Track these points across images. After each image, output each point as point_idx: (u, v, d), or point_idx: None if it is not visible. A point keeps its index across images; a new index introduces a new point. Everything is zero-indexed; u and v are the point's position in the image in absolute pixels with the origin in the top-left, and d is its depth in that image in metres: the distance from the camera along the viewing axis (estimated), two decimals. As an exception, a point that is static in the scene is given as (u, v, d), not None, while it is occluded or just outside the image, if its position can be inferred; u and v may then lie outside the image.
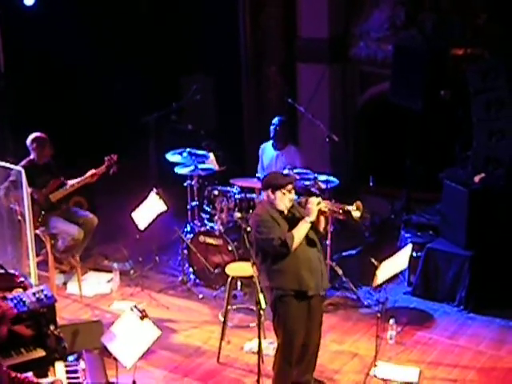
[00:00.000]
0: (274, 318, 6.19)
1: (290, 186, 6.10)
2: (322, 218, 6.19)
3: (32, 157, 8.15)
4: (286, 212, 6.13)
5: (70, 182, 8.16)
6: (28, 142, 8.14)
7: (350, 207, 6.11)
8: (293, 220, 6.09)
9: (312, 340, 6.31)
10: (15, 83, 10.08)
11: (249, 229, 6.03)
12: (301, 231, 6.01)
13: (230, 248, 8.20)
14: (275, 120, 8.70)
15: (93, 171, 8.14)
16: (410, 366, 6.92)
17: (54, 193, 8.13)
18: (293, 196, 6.13)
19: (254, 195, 8.35)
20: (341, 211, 6.15)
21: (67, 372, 5.50)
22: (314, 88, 10.22)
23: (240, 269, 7.21)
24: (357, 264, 8.59)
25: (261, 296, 5.70)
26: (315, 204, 6.06)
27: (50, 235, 8.04)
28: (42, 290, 5.80)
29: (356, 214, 6.11)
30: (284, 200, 6.08)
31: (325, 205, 6.13)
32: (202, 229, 8.50)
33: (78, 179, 8.15)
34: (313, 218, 6.03)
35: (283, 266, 6.03)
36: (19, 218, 7.17)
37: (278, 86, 10.76)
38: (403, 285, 8.42)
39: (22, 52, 10.32)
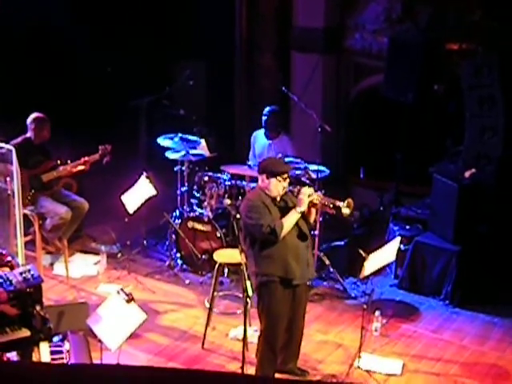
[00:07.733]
0: (258, 303, 6.20)
1: (286, 175, 6.10)
2: (313, 210, 6.20)
3: (29, 135, 8.12)
4: (278, 199, 6.14)
5: (63, 167, 8.14)
6: (28, 120, 8.13)
7: (340, 203, 6.12)
8: (284, 208, 6.10)
9: (296, 328, 6.34)
10: (5, 62, 10.02)
11: (238, 215, 6.01)
12: (290, 220, 6.02)
13: (218, 234, 8.20)
14: (266, 110, 8.66)
15: (85, 158, 8.13)
16: (393, 358, 6.95)
17: (46, 173, 8.11)
18: (287, 184, 6.13)
19: (244, 182, 8.35)
20: (331, 206, 6.16)
21: (52, 352, 5.51)
22: (307, 77, 10.20)
23: (227, 255, 7.21)
24: (344, 255, 8.58)
25: (248, 283, 5.71)
26: (307, 195, 6.06)
27: (38, 215, 8.01)
28: (29, 270, 5.79)
29: (345, 210, 6.12)
30: (278, 187, 6.08)
31: (316, 197, 6.13)
32: (191, 214, 8.50)
33: (71, 164, 8.13)
34: (303, 208, 6.04)
35: (271, 253, 6.04)
36: (9, 192, 7.11)
37: (271, 73, 10.74)
38: (390, 277, 8.45)
39: (12, 30, 10.25)
